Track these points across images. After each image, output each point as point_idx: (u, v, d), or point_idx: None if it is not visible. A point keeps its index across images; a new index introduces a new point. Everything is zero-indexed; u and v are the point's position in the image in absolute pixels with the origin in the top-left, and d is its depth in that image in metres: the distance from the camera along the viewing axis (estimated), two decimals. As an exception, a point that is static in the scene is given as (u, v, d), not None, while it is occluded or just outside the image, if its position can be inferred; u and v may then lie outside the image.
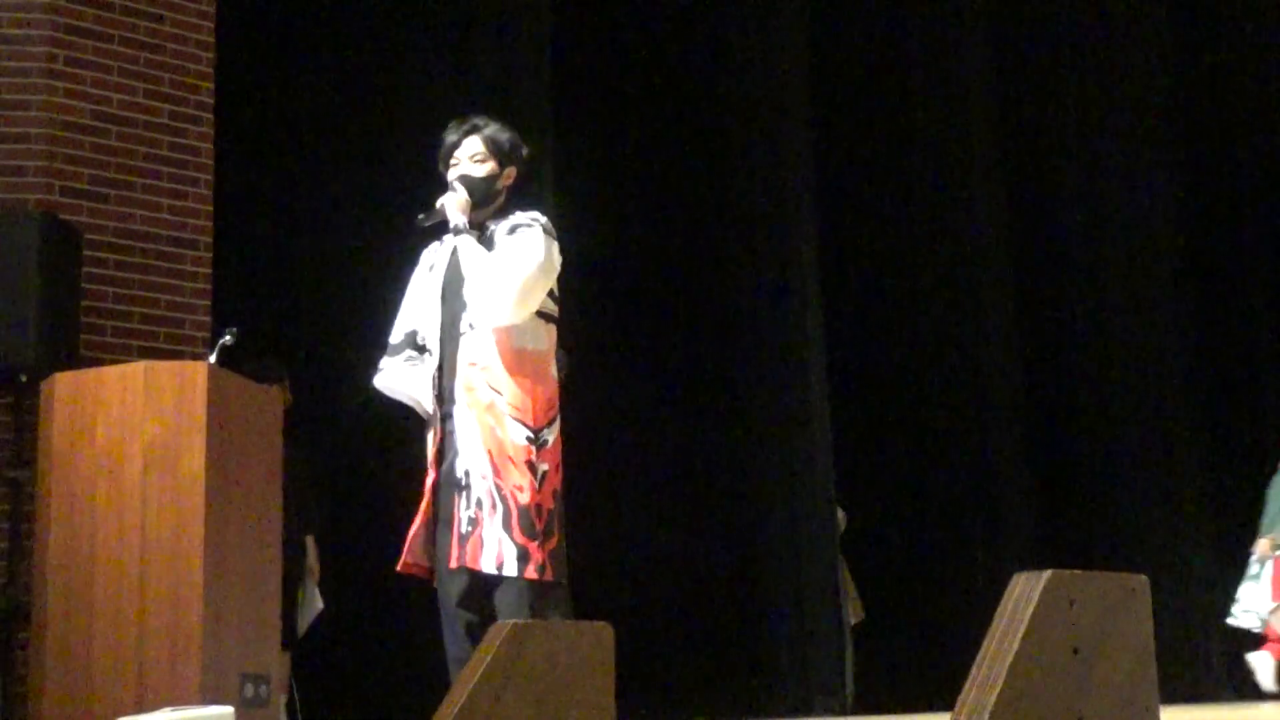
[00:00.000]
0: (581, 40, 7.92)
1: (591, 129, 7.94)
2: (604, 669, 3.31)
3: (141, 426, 4.54)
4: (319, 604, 6.02)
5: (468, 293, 4.44)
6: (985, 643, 2.61)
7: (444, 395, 4.46)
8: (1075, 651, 2.59)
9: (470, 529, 4.29)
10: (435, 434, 4.47)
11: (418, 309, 4.60)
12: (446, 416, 4.43)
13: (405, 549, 4.42)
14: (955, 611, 7.59)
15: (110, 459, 4.56)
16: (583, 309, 7.38)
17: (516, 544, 4.28)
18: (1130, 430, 8.98)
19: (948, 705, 2.77)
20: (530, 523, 4.32)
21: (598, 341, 7.01)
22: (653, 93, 8.18)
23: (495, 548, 4.28)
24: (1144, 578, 2.72)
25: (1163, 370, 9.10)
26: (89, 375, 4.72)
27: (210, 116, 6.40)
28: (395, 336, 4.61)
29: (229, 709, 4.08)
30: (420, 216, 4.53)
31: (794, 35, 8.28)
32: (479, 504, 4.30)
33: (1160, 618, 8.04)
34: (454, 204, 4.51)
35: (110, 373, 4.71)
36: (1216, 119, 9.67)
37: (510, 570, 4.26)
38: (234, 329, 5.01)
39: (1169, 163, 9.37)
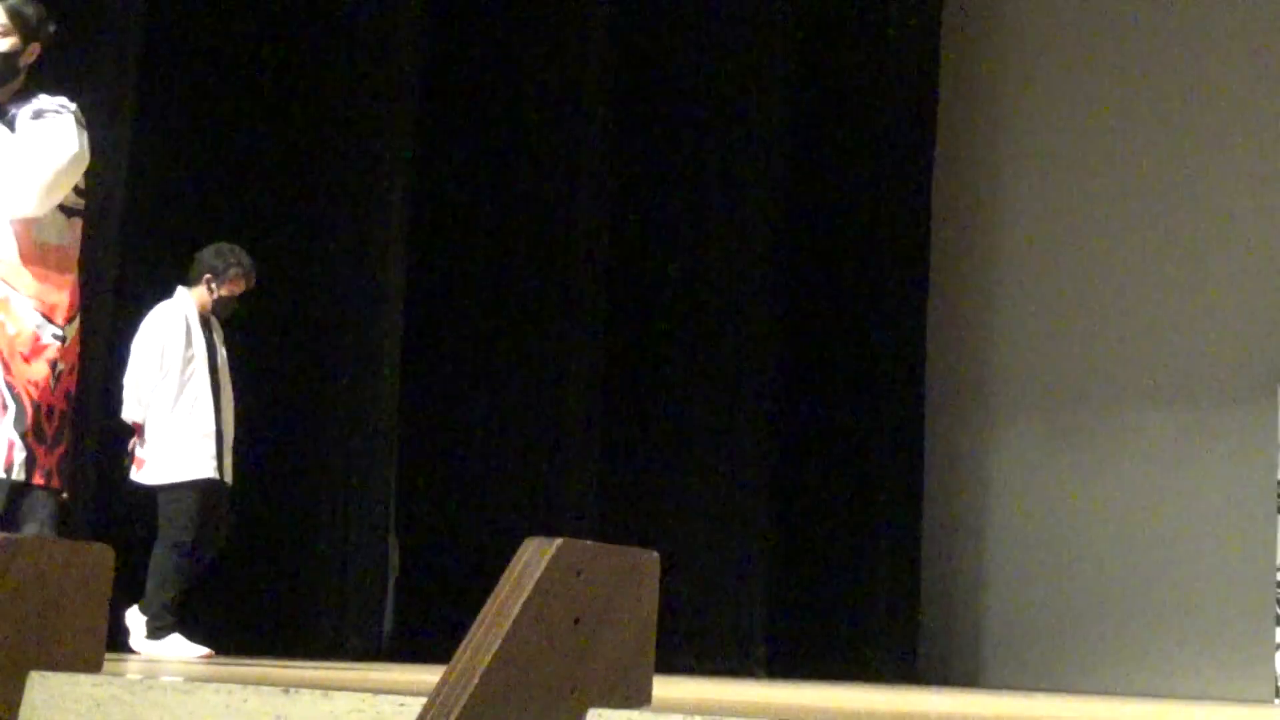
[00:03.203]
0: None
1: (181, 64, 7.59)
2: (100, 592, 3.14)
3: None
4: None
5: None
6: (487, 604, 2.58)
7: None
8: (576, 621, 2.59)
9: None
10: None
11: None
12: None
13: None
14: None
15: None
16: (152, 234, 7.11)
17: (28, 446, 4.06)
18: (702, 421, 9.17)
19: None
20: (40, 425, 4.09)
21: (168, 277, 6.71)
22: (258, 63, 7.89)
23: (4, 450, 4.05)
24: (655, 555, 2.73)
25: (741, 366, 9.31)
26: None
27: None
28: None
29: None
30: None
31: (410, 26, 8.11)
32: None
33: (712, 597, 8.28)
34: None
35: None
36: (822, 151, 9.94)
37: (19, 475, 4.05)
38: None
39: (772, 177, 9.52)
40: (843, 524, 9.66)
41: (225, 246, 6.55)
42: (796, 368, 9.61)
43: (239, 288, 6.52)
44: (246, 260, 6.54)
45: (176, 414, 6.31)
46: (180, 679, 2.75)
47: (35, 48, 4.31)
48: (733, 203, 9.35)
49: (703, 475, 9.08)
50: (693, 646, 8.12)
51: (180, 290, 6.52)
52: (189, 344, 6.39)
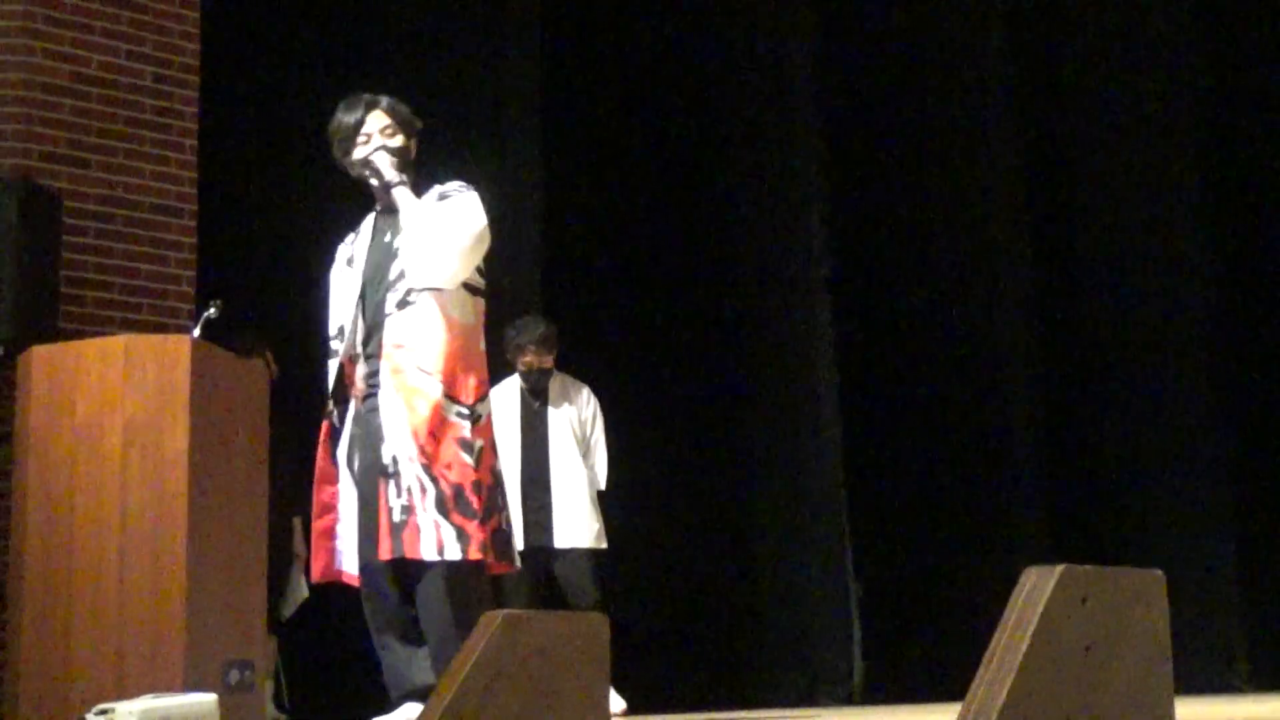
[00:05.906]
0: (574, 27, 7.79)
1: (584, 114, 7.80)
2: (598, 662, 3.20)
3: (121, 403, 4.40)
4: (304, 591, 5.91)
5: (406, 251, 4.28)
6: (995, 639, 2.52)
7: (363, 383, 4.34)
8: (1087, 649, 2.50)
9: (405, 517, 4.14)
10: (344, 428, 4.36)
11: (341, 305, 4.45)
12: (369, 404, 4.30)
13: (327, 558, 4.32)
14: (965, 603, 7.44)
15: (90, 436, 4.42)
16: (582, 306, 7.35)
17: (454, 525, 4.14)
18: (1150, 422, 8.76)
19: (954, 697, 2.68)
20: (466, 501, 4.16)
21: (600, 340, 6.88)
22: (652, 82, 8.02)
23: (433, 532, 4.13)
24: (1160, 573, 2.61)
25: (1184, 363, 8.83)
26: (68, 349, 4.59)
27: (195, 79, 6.19)
28: (333, 340, 4.47)
29: (211, 696, 3.97)
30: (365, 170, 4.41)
31: (805, 24, 8.13)
32: (409, 490, 4.15)
33: (1182, 610, 7.89)
34: (386, 161, 4.37)
35: (89, 346, 4.57)
36: (1244, 115, 9.44)
37: (453, 554, 4.12)
38: (218, 301, 4.88)
39: (1194, 154, 9.05)
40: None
41: (518, 321, 6.55)
42: (1246, 365, 9.13)
43: (527, 359, 6.46)
44: (525, 334, 6.46)
45: None
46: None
47: (414, 144, 4.47)
48: (1155, 195, 8.99)
49: (1164, 483, 8.69)
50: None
51: None
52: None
